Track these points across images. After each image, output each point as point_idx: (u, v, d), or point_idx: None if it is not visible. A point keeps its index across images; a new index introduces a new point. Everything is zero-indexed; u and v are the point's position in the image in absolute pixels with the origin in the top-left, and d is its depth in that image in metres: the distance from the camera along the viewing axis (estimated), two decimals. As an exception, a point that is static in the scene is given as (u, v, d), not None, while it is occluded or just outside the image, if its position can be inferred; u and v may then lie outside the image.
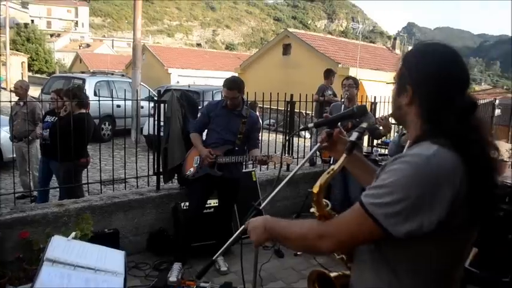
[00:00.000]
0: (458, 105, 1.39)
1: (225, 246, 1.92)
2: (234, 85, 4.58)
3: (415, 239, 1.29)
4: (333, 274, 1.73)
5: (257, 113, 8.02)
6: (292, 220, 1.63)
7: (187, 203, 5.08)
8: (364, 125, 1.68)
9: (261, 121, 9.75)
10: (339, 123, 1.90)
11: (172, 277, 4.40)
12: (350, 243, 1.43)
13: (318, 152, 6.48)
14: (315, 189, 1.54)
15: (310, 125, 1.97)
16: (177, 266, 4.55)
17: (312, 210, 1.58)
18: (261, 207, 1.84)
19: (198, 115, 5.19)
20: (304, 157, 4.86)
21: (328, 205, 1.58)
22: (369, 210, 1.31)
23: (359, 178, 1.89)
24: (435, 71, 1.42)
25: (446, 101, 1.39)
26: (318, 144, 1.89)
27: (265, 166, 6.45)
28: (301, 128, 1.99)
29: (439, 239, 1.32)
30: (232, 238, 1.90)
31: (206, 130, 4.80)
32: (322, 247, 1.43)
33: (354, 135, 1.63)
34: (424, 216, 1.27)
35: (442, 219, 1.27)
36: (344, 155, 1.55)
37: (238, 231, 1.87)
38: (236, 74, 25.94)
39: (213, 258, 1.96)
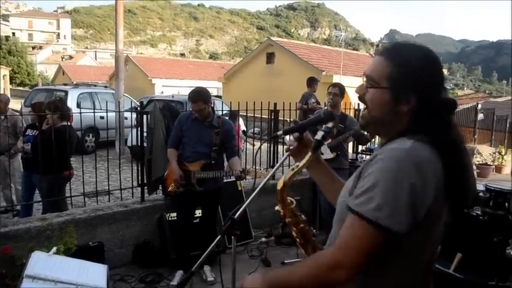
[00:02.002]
0: (443, 102, 1.42)
1: (201, 258, 1.90)
2: (198, 97, 4.44)
3: (410, 232, 1.28)
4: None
5: (241, 122, 8.03)
6: (288, 267, 1.49)
7: (172, 214, 5.05)
8: (330, 124, 1.65)
9: (245, 128, 9.74)
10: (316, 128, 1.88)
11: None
12: (365, 260, 1.30)
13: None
14: (279, 186, 1.51)
15: (279, 132, 1.95)
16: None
17: (277, 208, 1.56)
18: (235, 217, 1.82)
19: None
20: (289, 164, 4.85)
21: (292, 203, 1.56)
22: (370, 219, 1.26)
23: (324, 186, 1.86)
24: (434, 73, 1.42)
25: (438, 99, 1.41)
26: (287, 153, 1.87)
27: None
28: (272, 135, 1.97)
29: (426, 228, 1.33)
30: (209, 249, 1.88)
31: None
32: (341, 277, 1.30)
33: (319, 134, 1.59)
34: (420, 205, 1.27)
35: (430, 207, 1.29)
36: (309, 153, 1.54)
37: (214, 242, 1.85)
38: (220, 84, 25.98)
39: (192, 269, 1.94)
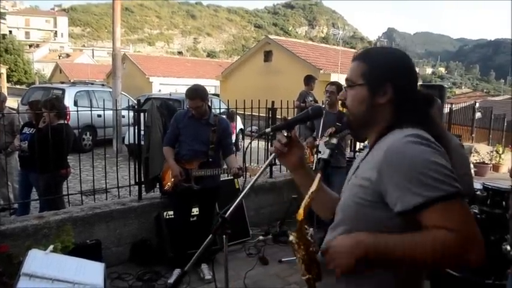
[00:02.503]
0: (421, 96, 1.54)
1: (194, 258, 1.89)
2: (195, 94, 4.46)
3: None
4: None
5: (238, 121, 8.03)
6: (396, 235, 1.32)
7: (170, 212, 5.05)
8: (334, 140, 1.65)
9: (242, 127, 9.72)
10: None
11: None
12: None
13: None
14: (299, 216, 1.41)
15: (268, 129, 1.94)
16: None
17: (291, 238, 1.47)
18: (226, 216, 1.81)
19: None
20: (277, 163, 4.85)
21: (308, 230, 1.48)
22: (451, 192, 1.26)
23: (306, 189, 1.84)
24: (408, 67, 1.54)
25: (415, 92, 1.53)
26: (274, 154, 1.82)
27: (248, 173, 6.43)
28: (259, 133, 1.95)
29: None
30: (201, 248, 1.86)
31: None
32: (471, 259, 1.23)
33: (326, 153, 1.60)
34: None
35: None
36: (318, 175, 1.52)
37: (206, 241, 1.84)
38: (218, 82, 25.96)
39: (185, 269, 1.94)
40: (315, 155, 5.27)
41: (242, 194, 1.82)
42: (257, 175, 1.89)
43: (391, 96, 1.48)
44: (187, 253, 4.56)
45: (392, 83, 1.48)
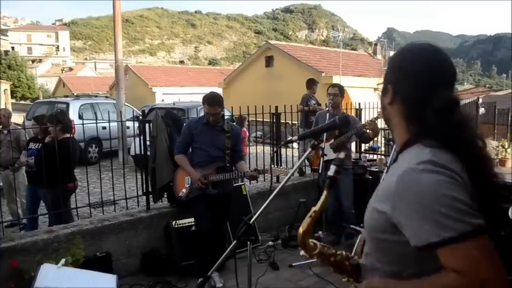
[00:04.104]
0: (439, 102, 1.35)
1: (218, 261, 1.90)
2: (215, 101, 4.62)
3: None
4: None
5: (245, 127, 8.06)
6: (405, 282, 1.33)
7: (179, 221, 5.05)
8: (342, 155, 1.62)
9: (247, 134, 9.75)
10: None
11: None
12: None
13: (306, 162, 6.50)
14: (299, 237, 1.45)
15: (294, 138, 1.96)
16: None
17: (302, 253, 1.49)
18: (250, 222, 1.82)
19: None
20: (292, 167, 4.86)
21: (316, 245, 1.47)
22: (464, 231, 1.18)
23: None
24: (413, 68, 1.41)
25: (426, 98, 1.37)
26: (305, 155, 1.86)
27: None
28: (285, 141, 1.96)
29: None
30: (225, 253, 1.88)
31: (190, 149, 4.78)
32: None
33: (332, 169, 1.56)
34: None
35: None
36: (325, 192, 1.51)
37: (231, 246, 1.85)
38: (220, 89, 25.99)
39: (208, 274, 1.95)
40: (321, 158, 5.27)
41: (269, 197, 1.84)
42: (287, 177, 1.91)
43: (392, 97, 1.45)
44: (200, 260, 4.59)
45: (392, 83, 1.45)
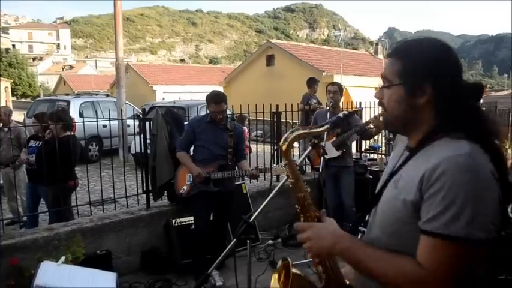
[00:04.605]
0: (467, 89, 1.39)
1: (218, 260, 1.90)
2: (220, 99, 4.63)
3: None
4: (294, 270, 1.68)
5: (245, 126, 8.06)
6: (375, 249, 1.40)
7: (179, 220, 5.05)
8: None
9: (247, 132, 9.74)
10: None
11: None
12: (456, 281, 1.25)
13: (307, 160, 6.49)
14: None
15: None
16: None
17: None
18: (250, 220, 1.82)
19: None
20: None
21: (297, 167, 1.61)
22: (463, 237, 1.20)
23: None
24: (445, 60, 1.40)
25: (459, 87, 1.38)
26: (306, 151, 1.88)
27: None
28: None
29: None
30: (224, 252, 1.88)
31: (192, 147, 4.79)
32: None
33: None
34: (497, 213, 1.25)
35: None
36: (327, 126, 1.61)
37: (231, 244, 1.85)
38: (221, 88, 25.99)
39: (208, 272, 1.95)
40: (322, 157, 5.27)
41: (269, 196, 1.85)
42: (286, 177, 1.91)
43: (431, 96, 1.37)
44: (200, 259, 4.60)
45: (432, 82, 1.36)
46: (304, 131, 1.56)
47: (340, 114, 1.75)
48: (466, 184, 1.21)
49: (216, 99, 4.61)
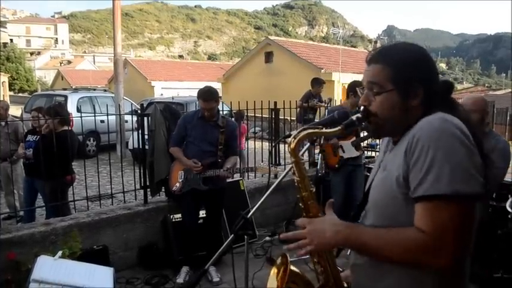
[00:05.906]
0: (441, 83, 1.52)
1: (215, 256, 1.90)
2: (210, 96, 4.54)
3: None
4: (292, 268, 1.68)
5: (244, 122, 8.05)
6: (377, 229, 1.43)
7: (176, 215, 5.05)
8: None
9: (247, 129, 9.74)
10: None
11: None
12: (463, 243, 1.30)
13: (306, 158, 6.50)
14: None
15: (293, 132, 1.96)
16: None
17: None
18: (248, 216, 1.82)
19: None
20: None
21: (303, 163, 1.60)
22: (452, 194, 1.24)
23: None
24: (425, 60, 1.50)
25: (438, 82, 1.51)
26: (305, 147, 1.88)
27: (253, 174, 6.45)
28: (284, 135, 1.96)
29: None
30: (222, 247, 1.88)
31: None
32: (437, 263, 1.28)
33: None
34: (479, 164, 1.32)
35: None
36: (340, 127, 1.59)
37: (228, 240, 1.85)
38: (219, 84, 25.98)
39: (205, 268, 1.94)
40: (341, 155, 5.36)
41: (266, 193, 1.85)
42: (285, 173, 1.91)
43: (422, 96, 1.46)
44: (195, 255, 4.60)
45: (422, 83, 1.46)
46: (315, 131, 1.55)
47: (354, 117, 1.74)
48: (439, 140, 1.29)
49: (204, 96, 4.52)
